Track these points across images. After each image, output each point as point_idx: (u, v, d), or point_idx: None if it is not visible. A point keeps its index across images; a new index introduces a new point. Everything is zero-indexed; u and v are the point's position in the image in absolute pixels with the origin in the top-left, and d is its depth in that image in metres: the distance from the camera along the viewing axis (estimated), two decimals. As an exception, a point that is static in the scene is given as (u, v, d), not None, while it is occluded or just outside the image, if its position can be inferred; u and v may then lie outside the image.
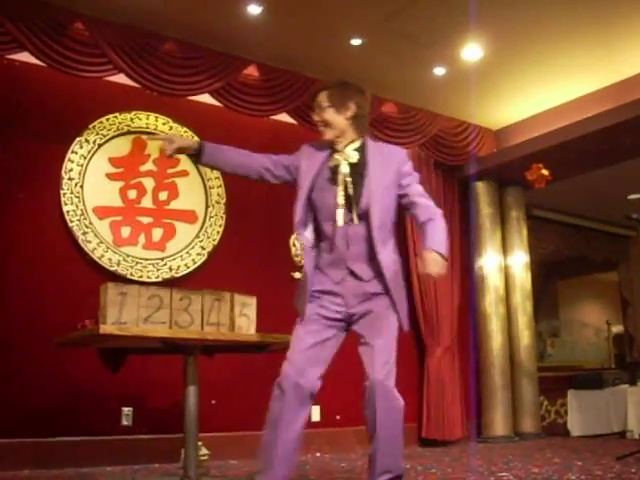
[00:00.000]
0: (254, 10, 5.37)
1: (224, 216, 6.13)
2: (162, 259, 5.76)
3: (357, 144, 3.28)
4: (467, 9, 5.27)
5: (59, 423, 5.08)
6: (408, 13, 5.43)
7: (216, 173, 6.07)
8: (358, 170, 3.22)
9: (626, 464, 4.96)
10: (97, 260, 5.46)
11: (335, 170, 3.23)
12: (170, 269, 5.74)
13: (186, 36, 5.71)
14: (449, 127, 7.34)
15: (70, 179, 5.46)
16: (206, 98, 5.97)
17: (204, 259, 5.95)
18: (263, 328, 4.20)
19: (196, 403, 3.93)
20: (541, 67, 6.30)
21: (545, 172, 7.00)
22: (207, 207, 6.07)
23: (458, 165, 7.53)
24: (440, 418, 6.91)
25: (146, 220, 5.77)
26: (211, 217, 6.05)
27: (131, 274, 5.57)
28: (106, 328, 3.44)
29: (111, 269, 5.49)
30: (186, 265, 5.85)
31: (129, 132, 5.80)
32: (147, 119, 5.91)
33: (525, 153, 7.22)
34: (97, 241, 5.49)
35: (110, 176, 5.68)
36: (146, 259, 5.70)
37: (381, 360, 3.21)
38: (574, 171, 7.57)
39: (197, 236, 5.96)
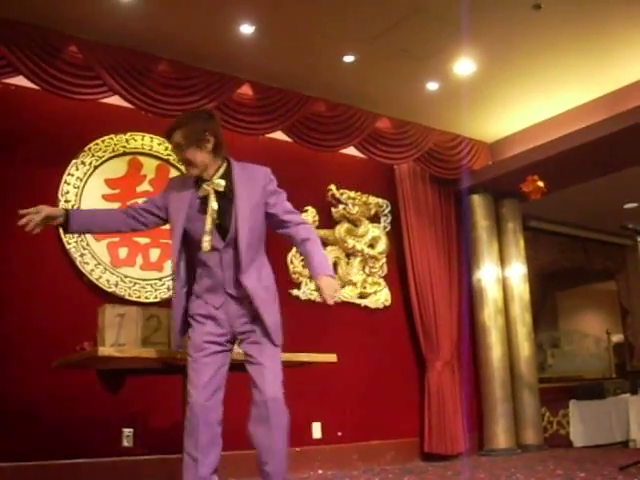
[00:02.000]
0: (247, 30, 5.41)
1: (222, 235, 6.11)
2: (160, 279, 5.77)
3: (222, 170, 3.36)
4: (459, 24, 5.32)
5: (60, 445, 5.05)
6: (400, 29, 5.47)
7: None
8: (226, 196, 3.30)
9: (629, 474, 4.96)
10: (95, 281, 5.46)
11: (204, 200, 3.30)
12: (168, 289, 5.74)
13: (179, 57, 5.75)
14: (443, 141, 7.37)
15: (67, 201, 5.47)
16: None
17: (203, 278, 5.93)
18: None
19: (196, 423, 3.92)
20: (534, 79, 6.34)
21: (540, 184, 7.03)
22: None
23: (453, 178, 7.55)
24: (442, 432, 6.90)
25: (143, 241, 5.77)
26: (208, 236, 6.04)
27: (129, 294, 5.57)
28: (105, 350, 3.45)
29: (109, 290, 5.49)
30: (184, 285, 5.83)
31: (125, 153, 5.82)
32: (142, 140, 5.93)
33: (520, 165, 7.25)
34: (95, 262, 5.50)
35: (107, 197, 5.69)
36: (144, 279, 5.70)
37: (272, 377, 3.33)
38: (569, 182, 7.61)
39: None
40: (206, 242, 3.24)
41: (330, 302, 3.23)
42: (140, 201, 3.36)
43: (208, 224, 3.25)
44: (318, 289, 3.28)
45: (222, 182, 3.30)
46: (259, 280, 3.30)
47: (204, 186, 3.30)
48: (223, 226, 3.27)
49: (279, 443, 3.31)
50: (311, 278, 6.49)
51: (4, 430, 4.89)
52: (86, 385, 4.60)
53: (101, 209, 3.44)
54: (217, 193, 3.28)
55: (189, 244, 3.33)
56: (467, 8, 5.15)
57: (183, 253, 3.33)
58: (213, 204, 3.26)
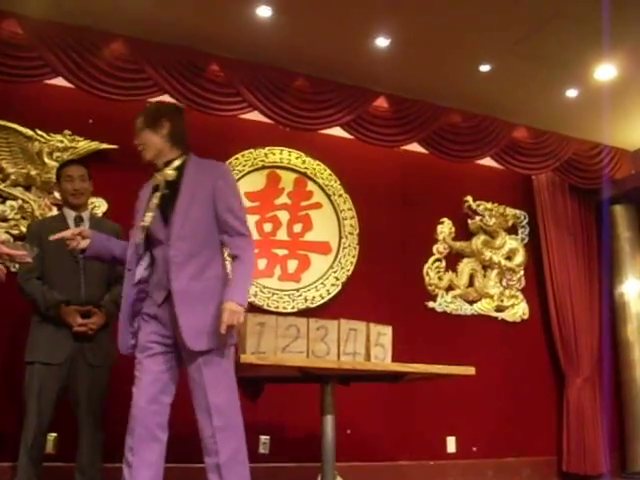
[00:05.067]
0: (382, 42, 5.44)
1: (357, 247, 6.17)
2: (297, 290, 5.87)
3: (177, 162, 3.29)
4: (600, 27, 5.14)
5: (196, 450, 5.21)
6: (538, 35, 5.35)
7: (349, 204, 6.18)
8: (173, 188, 3.21)
9: None
10: (237, 292, 5.61)
11: (154, 191, 3.27)
12: (305, 300, 5.84)
13: (316, 71, 5.85)
14: (583, 150, 7.14)
15: (209, 214, 5.66)
16: (337, 131, 6.08)
17: (338, 289, 6.02)
18: (397, 358, 4.21)
19: (333, 432, 3.98)
20: (680, 84, 6.06)
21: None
22: (340, 238, 6.13)
23: (594, 188, 7.30)
24: (581, 451, 6.64)
25: (281, 252, 5.90)
26: (344, 248, 6.12)
27: (267, 305, 5.70)
28: (246, 357, 3.54)
29: (248, 300, 5.62)
30: (321, 295, 5.93)
31: (263, 167, 5.97)
32: (280, 154, 6.06)
33: (666, 174, 6.95)
34: (232, 273, 5.66)
35: (246, 210, 5.83)
36: (282, 290, 5.82)
37: (204, 402, 3.15)
38: None
39: (331, 267, 6.03)
40: (139, 236, 3.22)
41: (222, 329, 3.01)
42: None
43: (147, 216, 3.22)
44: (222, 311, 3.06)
45: (172, 172, 3.26)
46: (195, 278, 3.13)
47: (156, 175, 3.30)
48: (164, 217, 3.20)
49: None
50: (447, 290, 6.50)
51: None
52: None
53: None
54: (166, 184, 3.25)
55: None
56: (608, 10, 4.98)
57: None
58: (159, 193, 3.24)
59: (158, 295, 3.20)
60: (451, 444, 6.28)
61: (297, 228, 6.02)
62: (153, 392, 3.12)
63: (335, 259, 6.07)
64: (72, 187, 4.17)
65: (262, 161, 5.98)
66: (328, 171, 6.18)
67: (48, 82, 5.24)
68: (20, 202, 5.11)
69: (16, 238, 4.99)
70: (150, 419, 3.11)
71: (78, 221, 4.17)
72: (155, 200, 3.25)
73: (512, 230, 7.06)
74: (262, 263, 5.82)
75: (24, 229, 4.81)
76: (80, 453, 3.97)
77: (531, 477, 6.53)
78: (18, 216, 5.06)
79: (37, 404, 3.86)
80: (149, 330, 3.20)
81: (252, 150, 5.96)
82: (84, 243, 3.31)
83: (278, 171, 6.04)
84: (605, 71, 5.82)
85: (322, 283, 5.96)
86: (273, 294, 5.77)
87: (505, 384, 6.60)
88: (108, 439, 4.11)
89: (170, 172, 3.27)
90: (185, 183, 3.23)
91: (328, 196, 6.16)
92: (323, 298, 5.94)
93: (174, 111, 3.44)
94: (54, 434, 4.66)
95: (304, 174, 6.13)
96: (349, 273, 6.09)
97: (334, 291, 6.00)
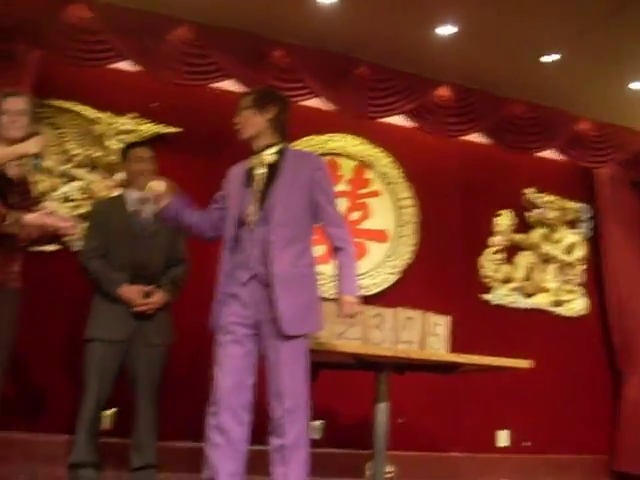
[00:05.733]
0: (446, 31, 5.40)
1: (415, 236, 6.16)
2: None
3: (277, 148, 3.32)
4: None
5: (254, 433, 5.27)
6: (604, 26, 5.24)
7: (407, 193, 6.16)
8: (272, 173, 3.25)
9: None
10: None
11: (250, 173, 3.29)
12: (361, 287, 5.84)
13: (379, 59, 5.84)
14: (648, 144, 7.00)
15: (264, 201, 5.71)
16: (398, 119, 6.06)
17: (395, 278, 6.02)
18: (452, 348, 4.19)
19: (386, 420, 3.99)
20: None
21: None
22: (398, 227, 6.13)
23: (660, 182, 7.15)
24: (635, 451, 6.52)
25: (338, 239, 5.91)
26: (402, 237, 6.10)
27: (324, 291, 5.71)
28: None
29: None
30: (377, 284, 5.94)
31: (323, 154, 5.96)
32: (340, 141, 6.06)
33: None
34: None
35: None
36: (337, 277, 5.82)
37: (290, 380, 3.17)
38: None
39: (388, 255, 6.03)
40: (251, 215, 3.23)
41: (341, 319, 3.30)
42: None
43: (253, 196, 3.26)
44: (340, 307, 3.25)
45: (272, 157, 3.30)
46: (292, 264, 3.19)
47: (253, 159, 3.33)
48: (262, 200, 3.24)
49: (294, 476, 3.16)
50: (503, 283, 6.45)
51: (201, 412, 5.18)
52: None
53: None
54: (264, 167, 3.29)
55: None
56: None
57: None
58: (258, 175, 3.28)
59: (242, 275, 3.24)
60: (503, 438, 6.24)
61: (355, 216, 6.02)
62: (237, 375, 3.18)
63: (392, 247, 6.07)
64: (142, 168, 4.24)
65: (322, 148, 5.98)
66: (388, 159, 6.17)
67: (114, 66, 5.32)
68: (84, 183, 5.22)
69: (80, 218, 5.11)
70: (235, 402, 3.17)
71: (142, 202, 4.23)
72: (253, 182, 3.30)
73: (572, 224, 6.95)
74: (319, 250, 5.82)
75: (88, 209, 4.90)
76: (136, 430, 4.05)
77: (583, 475, 6.44)
78: (82, 197, 5.17)
79: (96, 380, 3.95)
80: (229, 311, 3.24)
81: (312, 137, 5.96)
82: (163, 203, 3.32)
83: (337, 158, 6.04)
84: (672, 64, 5.69)
85: (378, 271, 5.96)
86: (330, 281, 5.78)
87: (559, 379, 6.52)
88: (164, 417, 4.20)
89: (270, 156, 3.32)
90: (285, 169, 3.29)
91: (387, 184, 6.15)
92: (379, 286, 5.94)
93: (283, 100, 3.51)
94: (112, 410, 4.76)
95: (363, 162, 6.12)
96: (406, 262, 6.08)
97: (390, 280, 6.00)
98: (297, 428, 3.15)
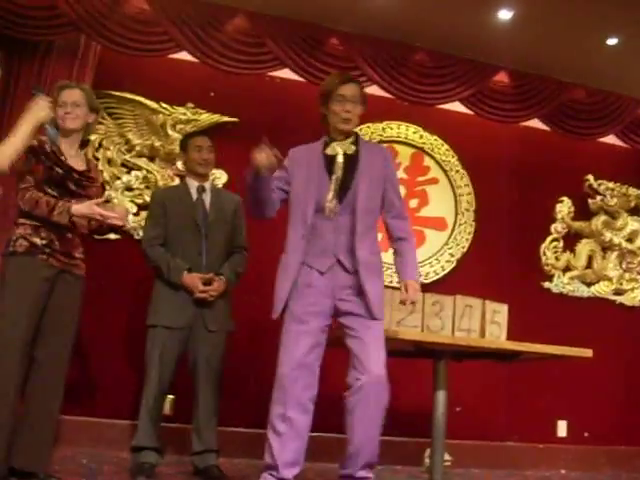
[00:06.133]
0: (505, 15, 5.32)
1: (473, 224, 6.11)
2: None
3: (352, 138, 3.38)
4: None
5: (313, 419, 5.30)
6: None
7: (466, 180, 6.11)
8: (351, 162, 3.28)
9: None
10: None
11: (330, 161, 3.29)
12: (419, 275, 5.82)
13: (436, 45, 5.78)
14: None
15: (325, 187, 5.73)
16: (456, 106, 6.01)
17: (453, 266, 5.99)
18: (512, 337, 4.16)
19: (444, 408, 3.98)
20: None
21: None
22: (457, 214, 6.09)
23: None
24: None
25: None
26: (460, 224, 6.07)
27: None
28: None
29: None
30: (435, 272, 5.92)
31: (381, 141, 5.94)
32: (398, 128, 6.04)
33: None
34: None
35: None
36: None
37: (377, 355, 3.21)
38: None
39: (446, 243, 6.00)
40: (330, 203, 3.25)
41: (407, 303, 3.35)
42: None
43: (333, 184, 3.26)
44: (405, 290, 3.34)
45: (352, 146, 3.35)
46: (371, 252, 3.32)
47: (334, 145, 3.35)
48: (344, 188, 3.27)
49: (375, 428, 3.23)
50: (564, 271, 6.36)
51: (263, 398, 5.23)
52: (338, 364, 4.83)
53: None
54: (346, 156, 3.32)
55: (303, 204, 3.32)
56: None
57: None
58: (339, 163, 3.29)
59: (321, 263, 3.28)
60: (562, 428, 6.17)
61: (413, 203, 5.98)
62: (305, 365, 3.23)
63: (450, 235, 6.03)
64: (201, 157, 4.30)
65: (380, 135, 5.97)
66: (445, 146, 6.12)
67: (172, 56, 5.39)
68: (144, 172, 5.31)
69: (140, 207, 5.20)
70: (301, 391, 3.22)
71: (201, 191, 4.29)
72: (335, 170, 3.32)
73: (635, 211, 6.80)
74: (379, 237, 5.82)
75: (148, 198, 4.98)
76: (197, 416, 4.12)
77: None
78: (142, 186, 5.26)
79: (158, 366, 4.02)
80: (306, 302, 3.26)
81: (369, 124, 5.95)
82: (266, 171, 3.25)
83: (395, 146, 6.01)
84: None
85: (437, 259, 5.94)
86: (387, 268, 5.74)
87: (621, 369, 6.41)
88: (224, 403, 4.25)
89: (350, 145, 3.38)
90: (363, 159, 3.35)
91: (445, 172, 6.11)
92: (437, 274, 5.92)
93: None
94: (172, 396, 4.83)
95: (421, 149, 6.09)
96: (464, 250, 6.04)
97: (449, 267, 5.97)
98: (385, 399, 3.26)
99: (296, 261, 3.28)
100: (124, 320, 5.06)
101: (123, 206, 4.71)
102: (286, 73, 5.58)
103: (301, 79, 5.55)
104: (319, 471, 4.45)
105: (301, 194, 3.33)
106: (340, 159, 3.32)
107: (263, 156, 3.16)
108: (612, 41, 5.62)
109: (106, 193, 5.15)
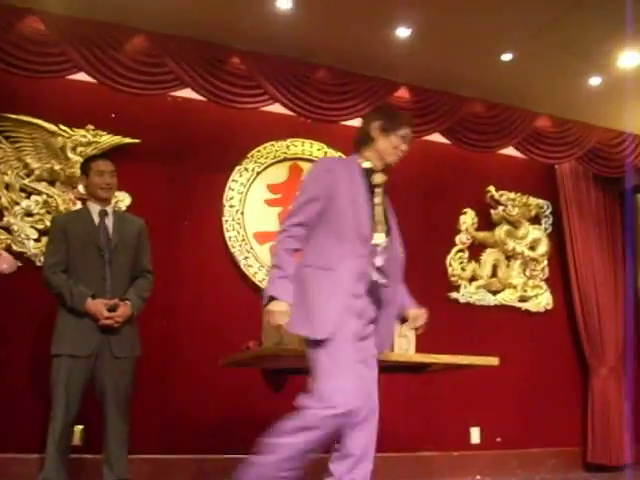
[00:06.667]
0: (403, 33, 5.42)
1: (380, 237, 6.15)
2: (320, 281, 5.87)
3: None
4: (623, 15, 5.08)
5: (221, 440, 5.25)
6: (560, 23, 5.29)
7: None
8: (384, 191, 3.34)
9: None
10: (258, 284, 5.64)
11: (370, 189, 3.28)
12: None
13: (337, 63, 5.84)
14: (606, 139, 7.06)
15: (231, 206, 5.70)
16: (359, 122, 6.04)
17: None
18: (421, 348, 4.20)
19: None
20: None
21: None
22: (362, 229, 6.11)
23: (618, 177, 7.22)
24: (606, 442, 6.60)
25: (304, 244, 5.91)
26: (366, 239, 6.10)
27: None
28: (268, 349, 3.56)
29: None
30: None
31: (285, 159, 5.98)
32: (302, 146, 6.06)
33: (691, 162, 6.86)
34: (258, 265, 5.69)
35: (269, 202, 5.88)
36: (304, 282, 5.81)
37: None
38: None
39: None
40: (379, 231, 3.23)
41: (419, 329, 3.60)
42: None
43: (378, 213, 3.25)
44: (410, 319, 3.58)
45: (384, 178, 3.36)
46: None
47: (380, 175, 3.33)
48: (386, 220, 3.31)
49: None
50: (470, 281, 6.48)
51: (172, 423, 5.16)
52: (247, 383, 4.80)
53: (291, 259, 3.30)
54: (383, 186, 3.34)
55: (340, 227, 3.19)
56: (630, -3, 4.94)
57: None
58: (378, 193, 3.29)
59: (360, 288, 3.18)
60: (475, 435, 6.27)
61: (320, 220, 6.00)
62: (365, 393, 3.22)
63: (357, 250, 6.05)
64: (103, 181, 4.22)
65: (284, 153, 5.99)
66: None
67: (70, 77, 5.27)
68: (44, 197, 5.16)
69: (41, 232, 5.05)
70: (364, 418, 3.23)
71: (103, 215, 4.20)
72: (377, 199, 3.29)
73: (535, 220, 7.02)
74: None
75: (49, 224, 4.84)
76: (107, 445, 4.01)
77: (556, 468, 6.50)
78: (43, 211, 5.11)
79: (65, 396, 3.91)
80: (354, 328, 3.14)
81: (274, 142, 5.96)
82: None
83: (300, 163, 6.03)
84: (629, 58, 5.75)
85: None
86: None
87: (529, 374, 6.58)
88: (135, 429, 4.16)
89: (384, 178, 3.37)
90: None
91: (350, 187, 6.14)
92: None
93: None
94: (81, 426, 4.71)
95: (326, 166, 6.11)
96: (372, 264, 6.07)
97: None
98: None
99: (344, 285, 3.11)
100: (28, 349, 4.90)
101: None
102: (188, 93, 5.54)
103: (203, 98, 5.52)
104: None
105: (351, 213, 3.19)
106: (378, 189, 3.32)
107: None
108: (507, 57, 5.79)
109: (5, 219, 5.01)
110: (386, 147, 3.33)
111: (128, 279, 4.19)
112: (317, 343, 3.04)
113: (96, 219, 4.18)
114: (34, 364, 4.82)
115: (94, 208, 4.23)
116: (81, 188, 4.93)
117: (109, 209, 4.28)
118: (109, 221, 4.22)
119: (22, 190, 5.14)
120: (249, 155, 5.85)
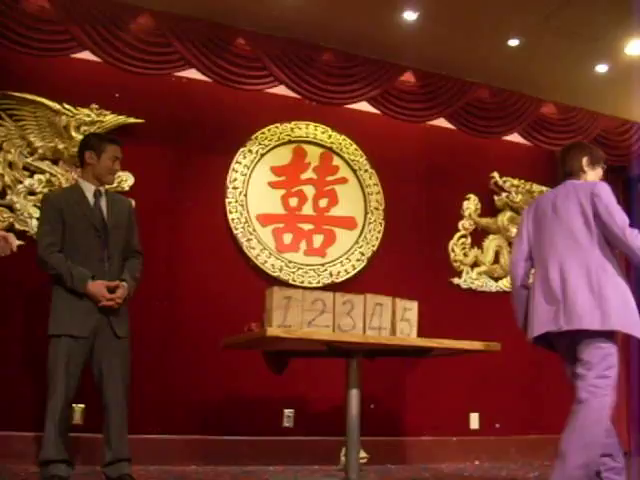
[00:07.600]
0: (410, 16, 5.39)
1: (383, 222, 6.16)
2: (322, 265, 5.88)
3: None
4: (630, 2, 5.06)
5: (224, 422, 5.29)
6: (568, 10, 5.26)
7: (374, 179, 6.17)
8: None
9: None
10: (260, 266, 5.64)
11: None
12: (330, 274, 5.85)
13: (343, 45, 5.81)
14: (612, 126, 7.04)
15: (235, 188, 5.69)
16: (364, 106, 6.05)
17: (363, 265, 6.01)
18: (423, 333, 4.21)
19: (358, 406, 3.98)
20: None
21: None
22: (366, 213, 6.13)
23: (622, 166, 7.20)
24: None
25: (307, 227, 5.91)
26: (370, 223, 6.11)
27: (293, 279, 5.71)
28: (272, 330, 3.55)
29: (274, 274, 5.65)
30: (346, 271, 5.94)
31: (289, 142, 5.96)
32: (307, 128, 6.05)
33: (696, 151, 6.83)
34: (260, 247, 5.69)
35: (272, 184, 5.87)
36: (307, 265, 5.83)
37: None
38: None
39: (356, 242, 6.03)
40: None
41: None
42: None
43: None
44: None
45: None
46: None
47: None
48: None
49: None
50: (472, 267, 6.48)
51: (172, 404, 5.17)
52: (250, 365, 4.80)
53: None
54: None
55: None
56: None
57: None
58: None
59: None
60: (474, 420, 6.29)
61: (323, 203, 6.01)
62: None
63: (360, 234, 6.07)
64: (114, 167, 4.21)
65: (288, 135, 5.97)
66: (354, 146, 6.16)
67: (75, 56, 5.25)
68: (48, 175, 5.14)
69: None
70: None
71: (98, 195, 4.16)
72: None
73: (539, 207, 6.98)
74: (288, 238, 5.83)
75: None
76: (107, 426, 4.00)
77: (554, 454, 6.50)
78: (46, 189, 5.07)
79: (65, 376, 3.88)
80: None
81: (278, 125, 5.95)
82: None
83: (304, 145, 6.03)
84: (636, 46, 5.73)
85: (347, 258, 5.96)
86: (298, 269, 5.79)
87: (529, 360, 6.55)
88: (134, 411, 4.17)
89: None
90: None
91: (354, 171, 6.15)
92: (348, 273, 5.94)
93: None
94: (82, 405, 4.72)
95: (330, 149, 6.11)
96: (374, 248, 6.09)
97: (359, 266, 6.00)
98: None
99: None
100: (30, 328, 4.88)
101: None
102: (192, 73, 5.51)
103: (208, 79, 5.50)
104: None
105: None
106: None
107: None
108: (514, 42, 5.76)
109: (7, 197, 4.99)
110: None
111: (122, 260, 4.18)
112: (613, 336, 3.55)
113: (91, 199, 4.12)
114: (35, 343, 4.81)
115: (88, 187, 4.15)
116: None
117: (102, 189, 4.23)
118: (102, 202, 4.17)
119: (25, 168, 5.11)
120: (253, 137, 5.83)
